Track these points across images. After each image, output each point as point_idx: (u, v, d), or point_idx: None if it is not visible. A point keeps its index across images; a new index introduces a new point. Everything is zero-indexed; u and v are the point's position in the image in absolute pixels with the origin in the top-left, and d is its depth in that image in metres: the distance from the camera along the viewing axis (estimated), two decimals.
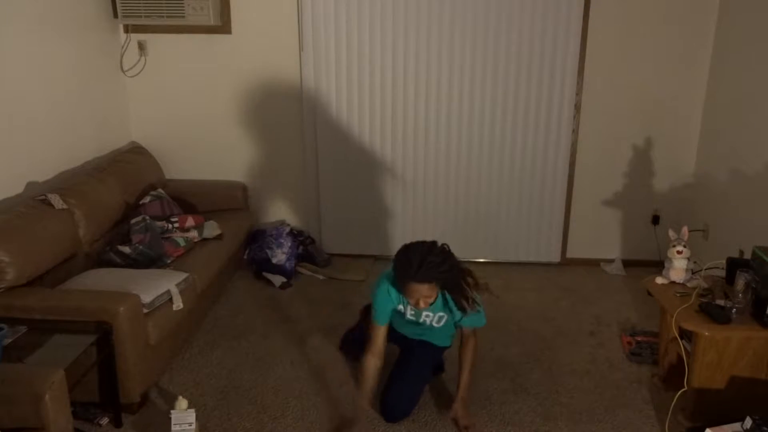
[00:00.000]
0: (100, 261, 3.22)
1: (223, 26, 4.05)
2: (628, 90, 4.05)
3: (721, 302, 2.58)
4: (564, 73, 4.01)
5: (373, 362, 2.62)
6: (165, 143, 4.31)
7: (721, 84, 3.84)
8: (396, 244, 4.37)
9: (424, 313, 2.68)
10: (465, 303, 2.54)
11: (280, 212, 4.45)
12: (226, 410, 2.76)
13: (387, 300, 2.63)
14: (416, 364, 2.77)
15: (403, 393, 2.70)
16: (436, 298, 2.52)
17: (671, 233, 2.82)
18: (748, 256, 2.76)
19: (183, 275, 3.05)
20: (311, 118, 4.21)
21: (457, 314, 2.60)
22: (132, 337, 2.61)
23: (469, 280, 2.58)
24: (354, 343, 3.08)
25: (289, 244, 4.15)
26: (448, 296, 2.57)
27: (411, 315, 2.71)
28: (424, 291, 2.43)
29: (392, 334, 2.80)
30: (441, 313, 2.66)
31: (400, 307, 2.68)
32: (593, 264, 4.36)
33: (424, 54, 4.03)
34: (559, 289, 4.00)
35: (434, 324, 2.72)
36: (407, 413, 2.70)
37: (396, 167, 4.26)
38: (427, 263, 2.39)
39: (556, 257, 4.38)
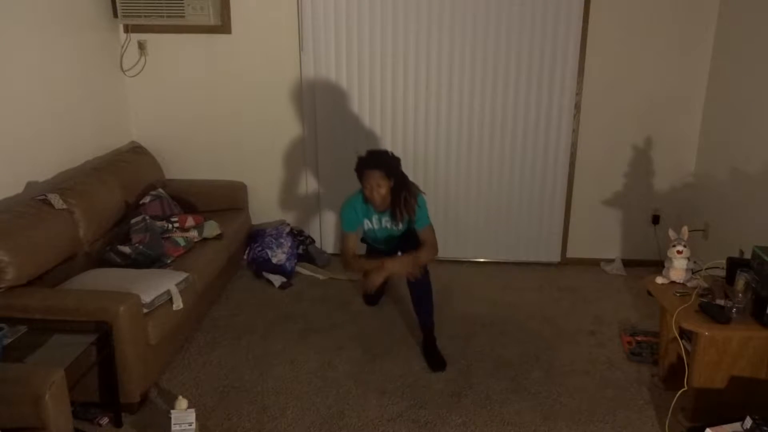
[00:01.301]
0: (100, 261, 3.22)
1: (223, 26, 4.05)
2: (628, 90, 4.05)
3: (721, 302, 2.58)
4: (564, 73, 4.01)
5: (354, 258, 3.27)
6: (165, 143, 4.30)
7: (721, 84, 3.84)
8: None
9: (384, 219, 3.26)
10: (409, 199, 3.15)
11: (280, 212, 4.45)
12: (226, 410, 2.76)
13: (353, 214, 3.26)
14: (415, 242, 3.25)
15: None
16: (387, 193, 3.10)
17: (671, 233, 2.82)
18: (748, 256, 2.76)
19: (183, 275, 3.05)
20: (311, 117, 4.21)
21: (407, 219, 3.19)
22: (132, 337, 2.61)
23: (411, 186, 3.22)
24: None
25: (289, 244, 4.16)
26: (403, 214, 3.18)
27: (377, 226, 3.27)
28: (376, 178, 3.05)
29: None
30: (396, 221, 3.22)
31: (367, 222, 3.28)
32: (593, 264, 4.36)
33: (424, 54, 4.03)
34: (559, 289, 4.00)
35: (396, 229, 3.28)
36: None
37: None
38: (378, 154, 3.16)
39: (556, 257, 4.38)
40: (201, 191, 4.16)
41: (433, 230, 3.25)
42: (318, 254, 4.33)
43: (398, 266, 3.12)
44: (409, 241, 3.26)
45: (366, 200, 3.20)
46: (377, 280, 3.13)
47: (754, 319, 2.49)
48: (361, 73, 4.09)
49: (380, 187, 3.08)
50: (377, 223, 3.30)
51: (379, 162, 3.09)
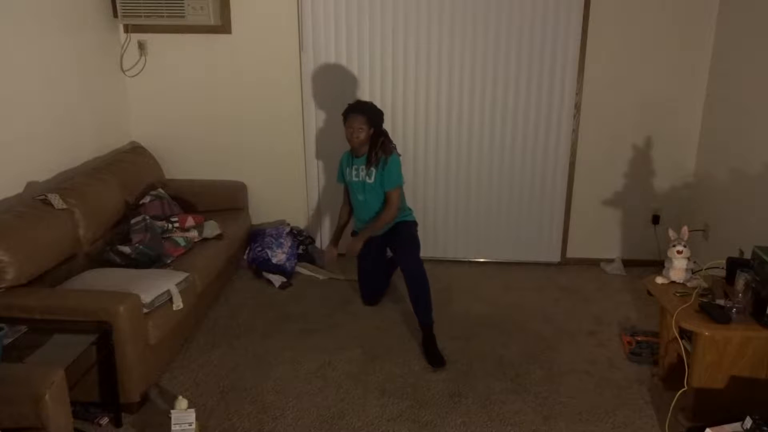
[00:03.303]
0: (100, 261, 3.22)
1: (223, 26, 4.05)
2: (628, 90, 4.05)
3: (721, 302, 2.58)
4: (564, 73, 4.01)
5: (345, 208, 3.73)
6: (165, 143, 4.30)
7: (721, 84, 3.84)
8: None
9: (361, 167, 3.46)
10: (387, 143, 3.42)
11: (280, 212, 4.45)
12: (226, 410, 2.76)
13: (342, 162, 3.61)
14: (406, 237, 3.45)
15: (412, 255, 3.32)
16: (366, 139, 3.38)
17: (671, 233, 2.82)
18: (748, 256, 2.76)
19: (183, 275, 3.05)
20: (311, 117, 4.21)
21: (379, 172, 3.40)
22: (132, 337, 2.61)
23: (390, 140, 3.49)
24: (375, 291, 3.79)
25: (289, 244, 4.16)
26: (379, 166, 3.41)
27: (355, 177, 3.49)
28: (358, 122, 3.34)
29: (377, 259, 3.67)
30: (369, 169, 3.43)
31: (348, 171, 3.54)
32: (593, 264, 4.36)
33: (424, 54, 4.03)
34: (559, 289, 4.00)
35: (367, 180, 3.45)
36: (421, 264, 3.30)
37: None
38: (364, 102, 3.44)
39: (556, 257, 4.38)
40: (201, 191, 4.16)
41: (399, 192, 3.47)
42: (318, 254, 4.33)
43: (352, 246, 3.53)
44: (394, 237, 3.50)
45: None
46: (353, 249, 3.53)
47: (754, 319, 2.49)
48: (361, 73, 4.09)
49: (360, 131, 3.35)
50: (355, 174, 3.50)
51: (363, 108, 3.38)
